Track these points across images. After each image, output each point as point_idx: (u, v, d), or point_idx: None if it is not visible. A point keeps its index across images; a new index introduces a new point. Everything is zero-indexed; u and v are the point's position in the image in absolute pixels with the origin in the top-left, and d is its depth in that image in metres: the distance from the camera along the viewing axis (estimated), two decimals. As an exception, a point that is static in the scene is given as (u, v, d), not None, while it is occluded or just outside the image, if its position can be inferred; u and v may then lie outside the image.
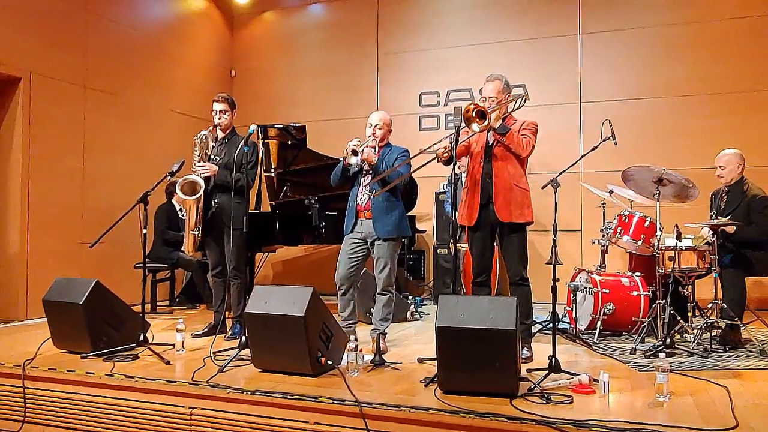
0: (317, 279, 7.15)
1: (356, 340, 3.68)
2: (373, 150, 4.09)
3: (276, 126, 6.07)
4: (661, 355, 3.07)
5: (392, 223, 4.07)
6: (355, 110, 7.51)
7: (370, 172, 4.12)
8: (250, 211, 5.19)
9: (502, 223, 3.79)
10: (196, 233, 4.53)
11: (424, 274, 7.06)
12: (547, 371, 3.22)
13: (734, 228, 4.27)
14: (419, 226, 6.99)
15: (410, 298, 5.87)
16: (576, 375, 3.15)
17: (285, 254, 7.67)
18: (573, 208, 6.67)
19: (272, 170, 6.16)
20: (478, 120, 3.60)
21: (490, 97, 3.84)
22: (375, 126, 4.17)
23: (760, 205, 4.34)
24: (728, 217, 4.32)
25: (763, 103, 6.18)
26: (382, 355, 3.72)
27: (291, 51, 8.03)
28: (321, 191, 5.76)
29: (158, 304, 6.24)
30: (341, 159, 4.09)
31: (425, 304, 6.36)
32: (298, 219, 5.63)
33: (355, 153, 3.94)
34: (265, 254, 6.42)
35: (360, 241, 4.15)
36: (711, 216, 4.28)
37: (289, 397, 2.99)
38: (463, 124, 3.58)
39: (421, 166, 3.99)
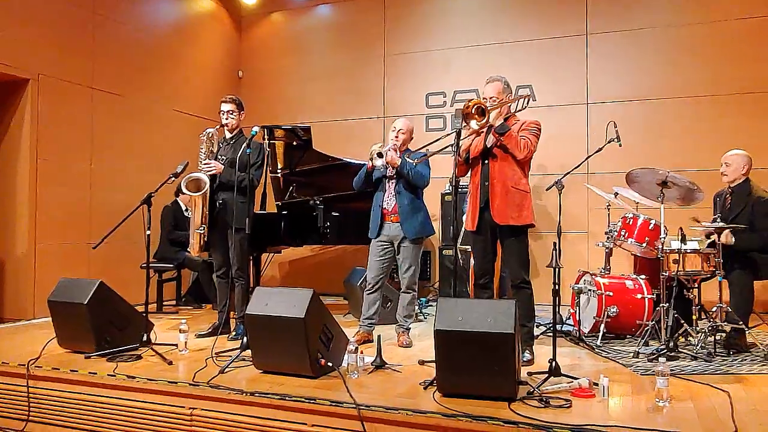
0: (324, 280, 7.20)
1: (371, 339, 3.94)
2: (395, 153, 4.27)
3: (282, 127, 6.10)
4: (662, 359, 3.05)
5: (419, 224, 4.35)
6: (362, 111, 7.53)
7: (394, 177, 4.33)
8: (255, 212, 5.22)
9: (501, 226, 3.78)
10: (202, 232, 4.55)
11: (429, 275, 7.05)
12: (547, 375, 3.21)
13: (733, 239, 4.20)
14: (425, 227, 6.98)
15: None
16: (576, 379, 3.14)
17: (291, 255, 7.69)
18: (580, 209, 6.63)
19: (278, 171, 6.19)
20: (477, 117, 3.60)
21: (490, 98, 3.83)
22: (399, 131, 4.41)
23: (765, 209, 4.26)
24: (733, 220, 4.26)
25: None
26: (407, 347, 4.09)
27: (298, 52, 8.04)
28: (326, 192, 5.78)
29: (164, 304, 6.27)
30: (365, 163, 4.35)
31: (430, 305, 6.35)
32: (303, 219, 5.64)
33: (380, 156, 4.17)
34: (271, 255, 6.43)
35: (387, 243, 4.39)
36: (715, 219, 4.22)
37: (287, 398, 3.00)
38: (462, 121, 3.59)
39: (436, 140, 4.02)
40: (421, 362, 3.69)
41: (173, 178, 4.38)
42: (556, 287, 3.30)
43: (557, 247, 3.29)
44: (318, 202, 5.70)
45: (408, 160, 4.24)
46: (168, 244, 6.27)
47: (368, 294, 4.45)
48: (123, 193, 6.23)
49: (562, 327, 4.97)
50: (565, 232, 5.11)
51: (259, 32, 8.33)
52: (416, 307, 4.54)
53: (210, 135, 4.58)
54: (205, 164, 4.50)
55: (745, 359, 3.89)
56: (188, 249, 4.89)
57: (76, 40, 6.08)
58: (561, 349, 4.24)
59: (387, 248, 4.39)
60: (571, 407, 2.84)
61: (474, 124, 3.62)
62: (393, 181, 4.36)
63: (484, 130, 3.79)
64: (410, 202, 4.32)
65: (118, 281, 4.71)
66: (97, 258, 5.85)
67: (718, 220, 4.11)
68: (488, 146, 3.83)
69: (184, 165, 4.40)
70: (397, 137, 4.38)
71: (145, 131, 6.82)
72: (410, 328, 4.47)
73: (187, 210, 6.27)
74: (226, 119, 4.60)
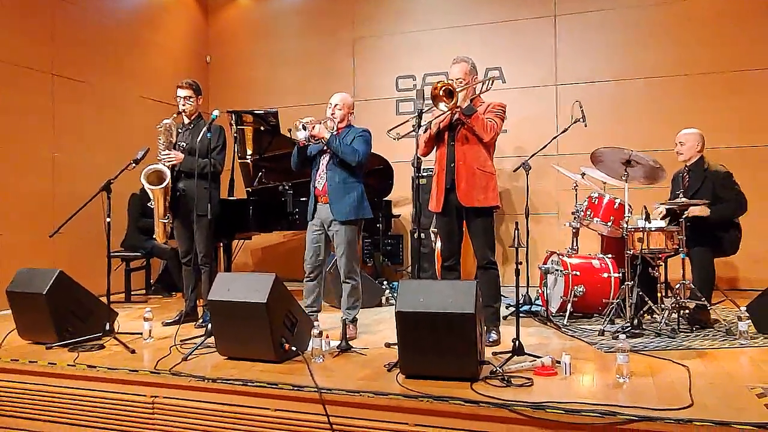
0: (296, 265, 7.09)
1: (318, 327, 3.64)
2: (332, 130, 4.01)
3: (250, 112, 6.02)
4: (622, 336, 3.07)
5: (349, 206, 4.00)
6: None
7: (327, 152, 4.05)
8: (223, 198, 5.15)
9: (467, 208, 3.77)
10: (166, 221, 4.50)
11: (402, 258, 7.04)
12: (510, 354, 3.22)
13: (708, 211, 4.23)
14: (395, 210, 6.97)
15: (385, 282, 5.85)
16: (539, 357, 3.15)
17: (263, 241, 7.64)
18: (550, 191, 6.65)
19: (247, 156, 6.11)
20: (445, 99, 3.59)
21: (457, 79, 3.80)
22: (335, 106, 4.11)
23: (726, 180, 4.30)
24: (693, 197, 4.28)
25: (740, 84, 6.14)
26: (350, 341, 3.72)
27: (267, 36, 7.93)
28: (295, 177, 5.72)
29: (134, 292, 6.18)
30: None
31: (403, 289, 6.33)
32: (271, 205, 5.59)
33: (304, 128, 3.88)
34: (241, 241, 6.36)
35: (318, 227, 4.11)
36: (677, 195, 4.25)
37: (250, 384, 2.98)
38: (430, 103, 3.57)
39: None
40: (387, 345, 3.68)
41: (134, 165, 4.30)
42: (518, 267, 3.31)
43: (519, 227, 3.29)
44: (287, 188, 5.65)
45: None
46: (136, 232, 6.17)
47: (306, 281, 4.16)
48: (87, 181, 6.03)
49: (530, 307, 5.00)
50: (535, 213, 5.12)
51: (226, 17, 8.19)
52: (358, 298, 4.15)
53: (167, 126, 4.49)
54: (164, 155, 4.42)
55: (708, 335, 3.95)
56: (154, 237, 4.82)
57: (35, 26, 5.90)
58: (529, 329, 4.28)
59: (318, 232, 4.09)
60: (533, 385, 2.85)
61: (443, 106, 3.61)
62: (326, 156, 4.05)
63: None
64: (342, 180, 3.99)
65: (84, 271, 4.63)
66: (63, 248, 5.73)
67: (680, 197, 4.13)
68: (454, 126, 3.82)
69: (145, 151, 4.32)
70: (333, 113, 4.06)
71: (110, 118, 6.67)
72: (357, 319, 4.17)
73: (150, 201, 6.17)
74: (183, 105, 4.53)
